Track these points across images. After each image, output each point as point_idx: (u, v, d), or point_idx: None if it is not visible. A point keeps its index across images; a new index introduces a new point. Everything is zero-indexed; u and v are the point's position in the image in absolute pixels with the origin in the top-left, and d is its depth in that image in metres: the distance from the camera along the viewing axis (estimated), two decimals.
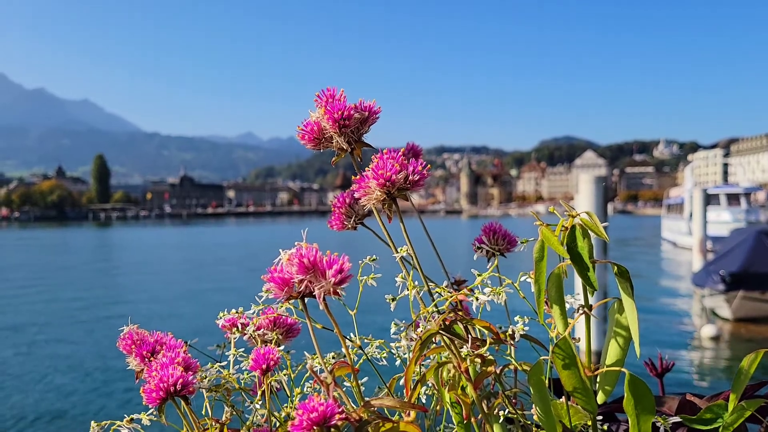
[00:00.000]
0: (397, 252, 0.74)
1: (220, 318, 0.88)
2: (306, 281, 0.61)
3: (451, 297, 0.69)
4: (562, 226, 0.63)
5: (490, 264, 0.99)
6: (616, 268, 0.63)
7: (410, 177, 0.69)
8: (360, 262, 0.83)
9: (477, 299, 0.68)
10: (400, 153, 0.71)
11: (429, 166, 0.72)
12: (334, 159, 0.77)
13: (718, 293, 13.69)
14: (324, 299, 0.61)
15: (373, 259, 0.80)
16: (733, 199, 34.27)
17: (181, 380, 0.69)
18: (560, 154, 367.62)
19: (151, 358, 0.79)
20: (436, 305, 0.68)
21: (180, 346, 0.84)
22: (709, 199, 28.44)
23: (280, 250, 0.63)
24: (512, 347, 0.82)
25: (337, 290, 0.61)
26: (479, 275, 0.76)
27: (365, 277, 0.82)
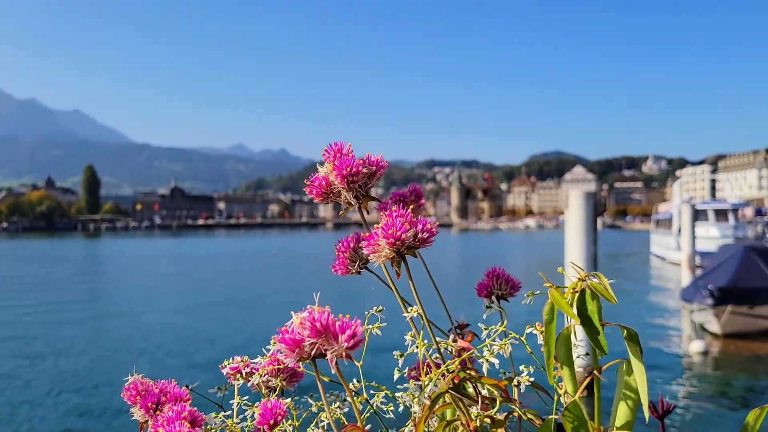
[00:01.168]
0: (407, 311, 0.74)
1: (225, 366, 0.87)
2: (317, 344, 0.61)
3: (460, 358, 0.69)
4: (573, 288, 0.64)
5: (492, 305, 0.99)
6: (625, 331, 0.63)
7: (419, 235, 0.69)
8: (366, 312, 0.83)
9: (487, 361, 0.69)
10: (408, 210, 0.72)
11: (437, 223, 0.73)
12: (341, 212, 0.77)
13: (707, 308, 13.80)
14: (336, 363, 0.61)
15: (380, 310, 0.81)
16: (720, 214, 34.58)
17: None
18: (550, 168, 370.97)
19: (157, 411, 0.78)
20: (447, 367, 0.68)
21: (184, 394, 0.84)
22: (698, 215, 28.71)
23: (292, 313, 0.64)
24: (516, 395, 0.83)
25: (350, 354, 0.61)
26: (486, 329, 0.77)
27: (371, 326, 0.83)
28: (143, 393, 0.81)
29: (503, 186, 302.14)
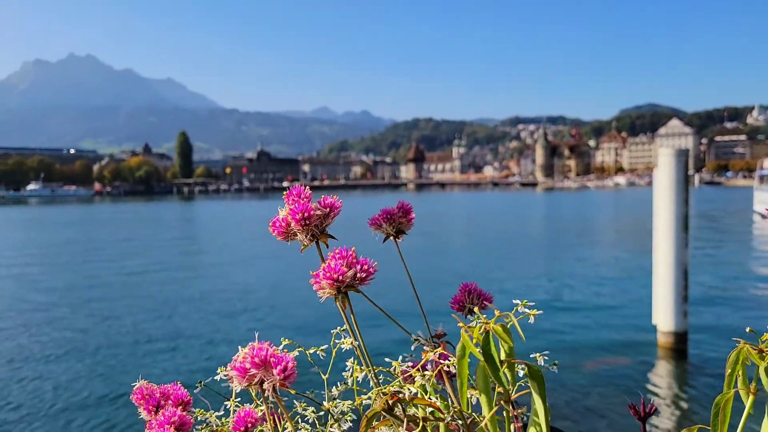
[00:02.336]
0: (347, 343, 0.84)
1: (219, 373, 1.01)
2: (259, 375, 0.72)
3: (389, 387, 0.78)
4: (480, 329, 0.71)
5: (470, 317, 1.06)
6: (527, 369, 0.70)
7: (358, 275, 0.78)
8: (332, 331, 0.93)
9: (409, 389, 0.77)
10: (351, 251, 0.81)
11: (376, 263, 0.81)
12: (302, 248, 0.87)
13: None
14: (274, 389, 0.72)
15: (323, 349, 0.92)
16: None
17: None
18: (642, 122, 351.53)
19: (157, 412, 0.93)
20: (381, 391, 0.78)
21: (185, 396, 0.98)
22: None
23: (239, 347, 0.75)
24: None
25: (285, 384, 0.72)
26: (429, 351, 0.85)
27: (339, 342, 0.93)
28: (146, 397, 0.96)
29: (591, 142, 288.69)
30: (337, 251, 0.81)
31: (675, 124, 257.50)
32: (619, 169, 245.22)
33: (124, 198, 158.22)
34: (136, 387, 0.97)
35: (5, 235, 40.39)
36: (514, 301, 0.90)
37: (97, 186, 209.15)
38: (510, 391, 0.73)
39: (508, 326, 0.72)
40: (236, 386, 1.04)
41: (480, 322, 0.72)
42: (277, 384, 0.72)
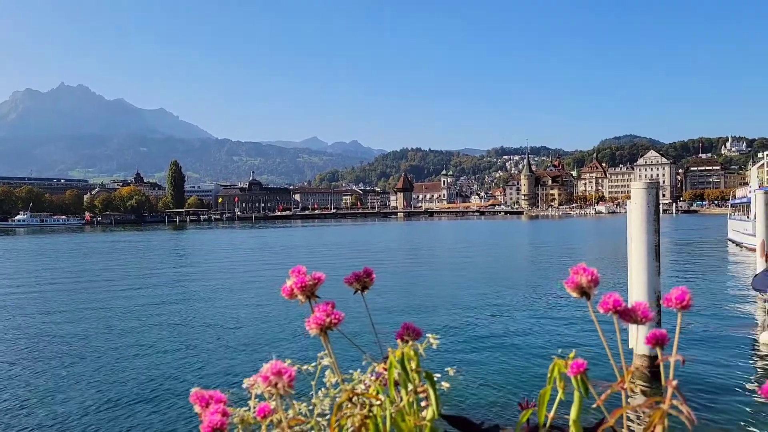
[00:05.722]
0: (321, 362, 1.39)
1: (245, 383, 1.54)
2: (275, 379, 1.27)
3: (351, 386, 1.33)
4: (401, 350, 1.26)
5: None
6: (425, 373, 1.25)
7: (332, 320, 1.34)
8: (318, 354, 1.48)
9: (361, 387, 1.32)
10: (331, 304, 1.36)
11: (343, 314, 1.36)
12: (300, 303, 1.42)
13: None
14: (281, 388, 1.27)
15: (314, 366, 1.46)
16: None
17: (219, 423, 1.36)
18: (622, 153, 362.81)
19: (207, 407, 1.47)
20: (345, 389, 1.32)
21: (224, 398, 1.52)
22: None
23: (263, 364, 1.29)
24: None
25: (291, 384, 1.26)
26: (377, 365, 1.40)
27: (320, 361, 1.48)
28: (200, 397, 1.49)
29: (573, 172, 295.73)
30: (320, 306, 1.36)
31: (652, 155, 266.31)
32: (601, 198, 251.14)
33: (114, 227, 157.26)
34: (192, 391, 1.51)
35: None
36: (427, 335, 1.47)
37: (87, 215, 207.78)
38: (417, 386, 1.28)
39: (421, 349, 1.28)
40: (256, 390, 1.59)
41: (399, 347, 1.27)
42: (285, 385, 1.26)
